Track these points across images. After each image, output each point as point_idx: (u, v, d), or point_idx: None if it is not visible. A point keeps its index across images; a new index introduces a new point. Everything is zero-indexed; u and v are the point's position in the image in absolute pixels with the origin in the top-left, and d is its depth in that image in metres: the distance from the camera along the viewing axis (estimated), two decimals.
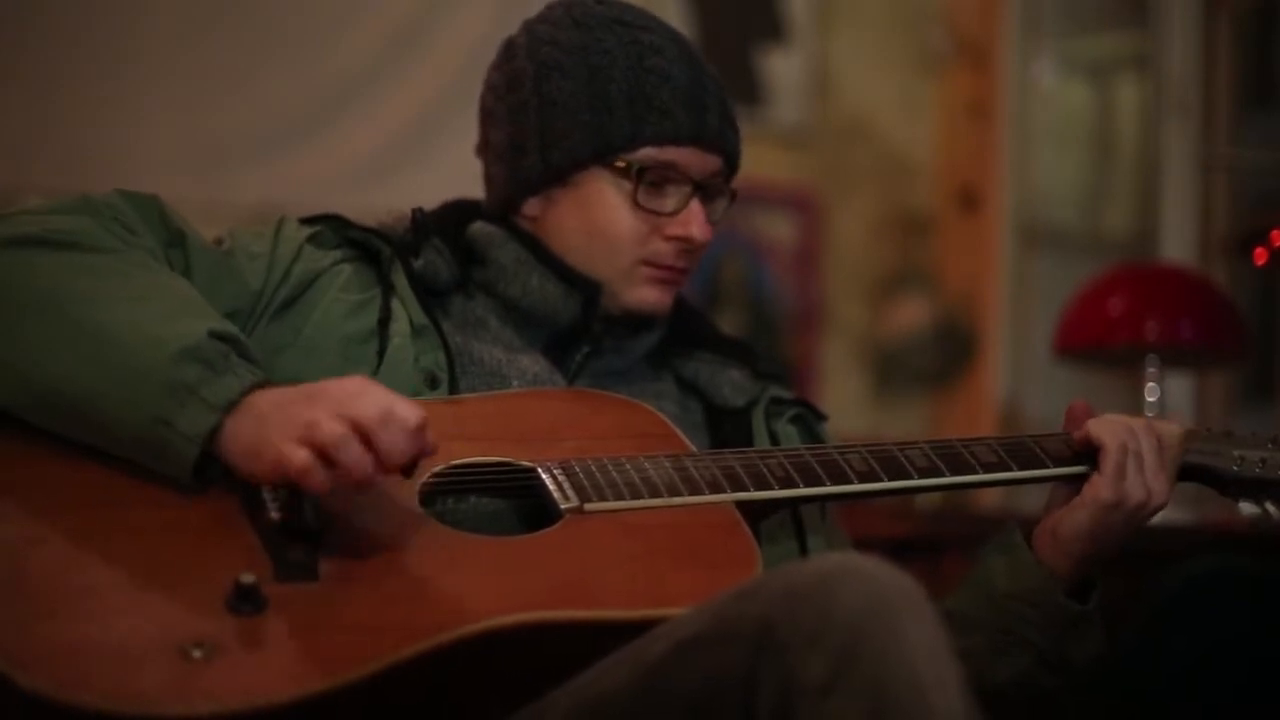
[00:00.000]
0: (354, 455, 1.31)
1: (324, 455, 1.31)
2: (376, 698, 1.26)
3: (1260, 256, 2.78)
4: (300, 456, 1.31)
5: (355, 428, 1.31)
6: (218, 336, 1.38)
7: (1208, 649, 1.63)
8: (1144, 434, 1.59)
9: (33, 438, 1.39)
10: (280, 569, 1.31)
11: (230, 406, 1.35)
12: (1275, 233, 2.72)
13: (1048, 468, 1.60)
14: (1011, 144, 4.64)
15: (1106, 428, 1.59)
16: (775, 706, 1.16)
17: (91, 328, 1.37)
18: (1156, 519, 1.62)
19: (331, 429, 1.31)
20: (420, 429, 1.34)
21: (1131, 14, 4.46)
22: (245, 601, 1.26)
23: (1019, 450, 1.61)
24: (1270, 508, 1.64)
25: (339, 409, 1.32)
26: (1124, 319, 2.94)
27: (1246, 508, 1.65)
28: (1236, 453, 1.65)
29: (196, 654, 1.22)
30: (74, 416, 1.37)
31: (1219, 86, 3.98)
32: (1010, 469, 1.59)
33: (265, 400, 1.36)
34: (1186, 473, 1.64)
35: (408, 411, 1.34)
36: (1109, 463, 1.57)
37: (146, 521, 1.34)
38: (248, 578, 1.27)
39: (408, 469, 1.36)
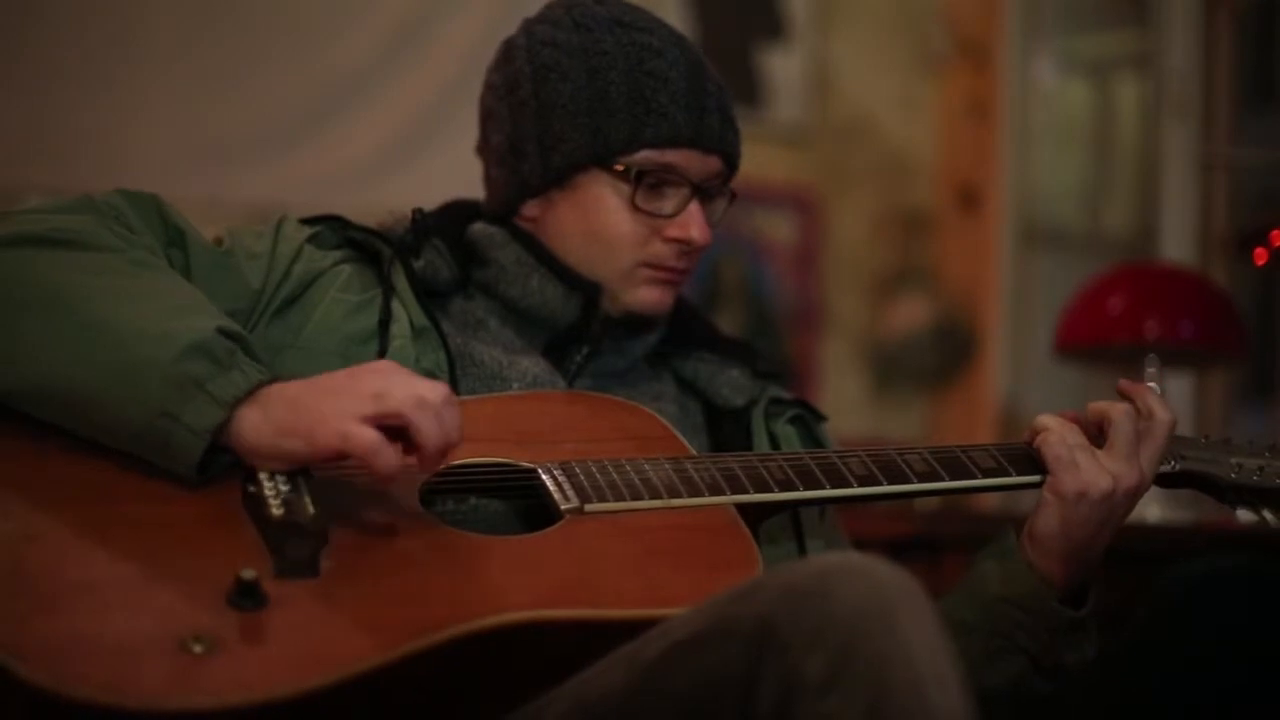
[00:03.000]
0: (431, 422, 1.35)
1: (396, 425, 1.34)
2: (375, 695, 1.26)
3: (1260, 256, 2.78)
4: (371, 435, 1.33)
5: (422, 402, 1.35)
6: (225, 334, 1.38)
7: (1206, 650, 1.63)
8: (1127, 420, 1.57)
9: (34, 433, 1.39)
10: (281, 565, 1.32)
11: (237, 402, 1.35)
12: (1275, 232, 2.72)
13: (1045, 473, 1.60)
14: (1011, 144, 4.64)
15: (1047, 425, 1.59)
16: (774, 705, 1.16)
17: (96, 324, 1.38)
18: (1155, 519, 1.62)
19: (405, 395, 1.34)
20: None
21: (1131, 13, 4.46)
22: (246, 597, 1.27)
23: (1017, 456, 1.61)
24: (1267, 515, 1.64)
25: (406, 384, 1.36)
26: (1124, 318, 2.94)
27: (1244, 515, 1.65)
28: (1234, 460, 1.65)
29: (197, 649, 1.22)
30: (78, 411, 1.38)
31: (1219, 86, 3.97)
32: (1009, 474, 1.60)
33: (287, 388, 1.37)
34: (1185, 480, 1.64)
35: (442, 389, 1.38)
36: (1049, 457, 1.56)
37: (147, 516, 1.35)
38: (248, 573, 1.27)
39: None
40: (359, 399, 1.35)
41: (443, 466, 1.45)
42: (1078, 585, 1.60)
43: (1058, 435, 1.57)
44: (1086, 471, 1.55)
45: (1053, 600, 1.57)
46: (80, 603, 1.26)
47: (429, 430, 1.35)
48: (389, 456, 1.34)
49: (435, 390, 1.37)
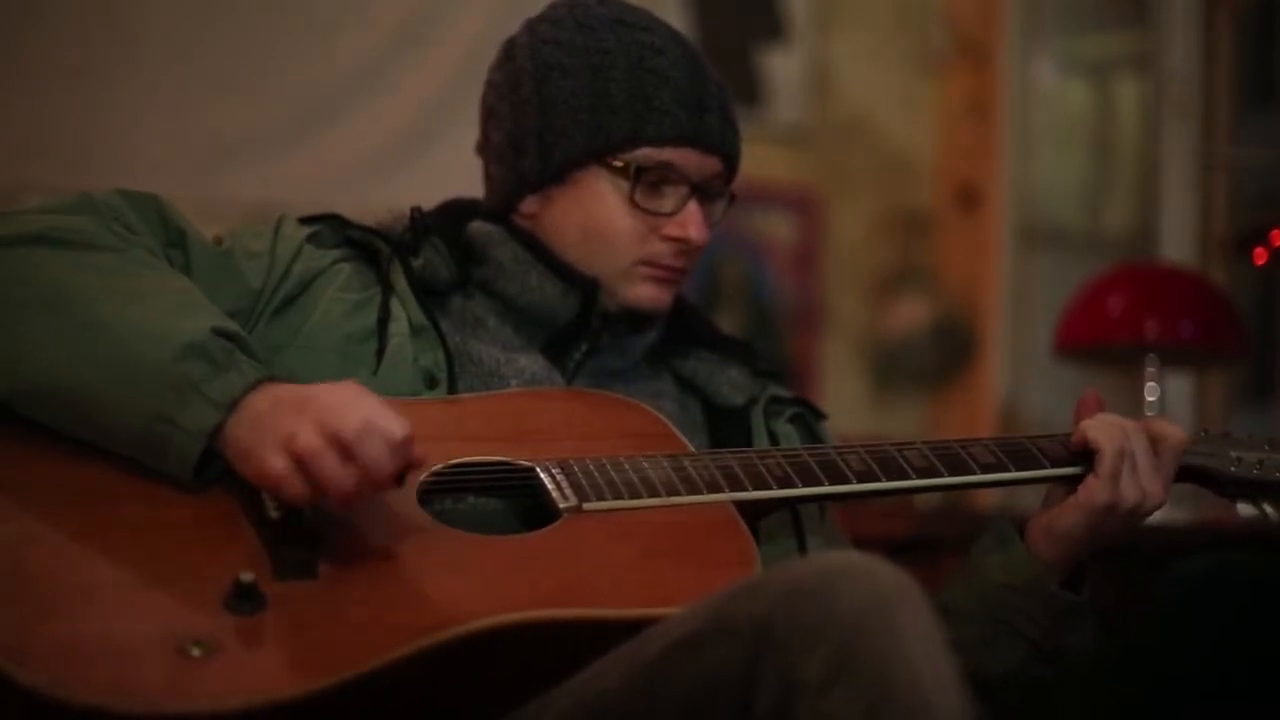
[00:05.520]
0: (329, 469, 1.31)
1: (302, 468, 1.31)
2: (375, 697, 1.26)
3: (1260, 256, 2.78)
4: (278, 466, 1.31)
5: (333, 441, 1.31)
6: (221, 334, 1.38)
7: (1206, 649, 1.63)
8: (1137, 436, 1.59)
9: (32, 436, 1.39)
10: (279, 567, 1.31)
11: (233, 404, 1.35)
12: (1275, 232, 2.72)
13: (1045, 468, 1.61)
14: (1011, 144, 4.64)
15: (1103, 430, 1.59)
16: (773, 704, 1.16)
17: (95, 325, 1.38)
18: (1155, 518, 1.62)
19: (308, 442, 1.31)
20: (405, 442, 1.33)
21: (1131, 13, 4.46)
22: (244, 600, 1.27)
23: (1017, 451, 1.61)
24: (1267, 508, 1.65)
25: (321, 420, 1.32)
26: (1124, 318, 2.94)
27: (1244, 509, 1.65)
28: (1234, 454, 1.65)
29: (195, 652, 1.22)
30: (77, 413, 1.37)
31: (1219, 86, 3.97)
32: (1008, 469, 1.60)
33: (263, 401, 1.36)
34: (1184, 473, 1.65)
35: (392, 424, 1.33)
36: (1104, 466, 1.57)
37: (145, 519, 1.35)
38: (246, 576, 1.27)
39: (396, 479, 1.36)
40: (279, 433, 1.32)
41: (439, 466, 1.45)
42: (1074, 570, 1.61)
43: (1117, 445, 1.58)
44: (1124, 487, 1.57)
45: (1053, 585, 1.58)
46: (79, 606, 1.26)
47: (325, 475, 1.31)
48: (293, 487, 1.32)
49: (352, 423, 1.31)
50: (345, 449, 1.31)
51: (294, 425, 1.32)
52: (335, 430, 1.31)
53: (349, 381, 1.39)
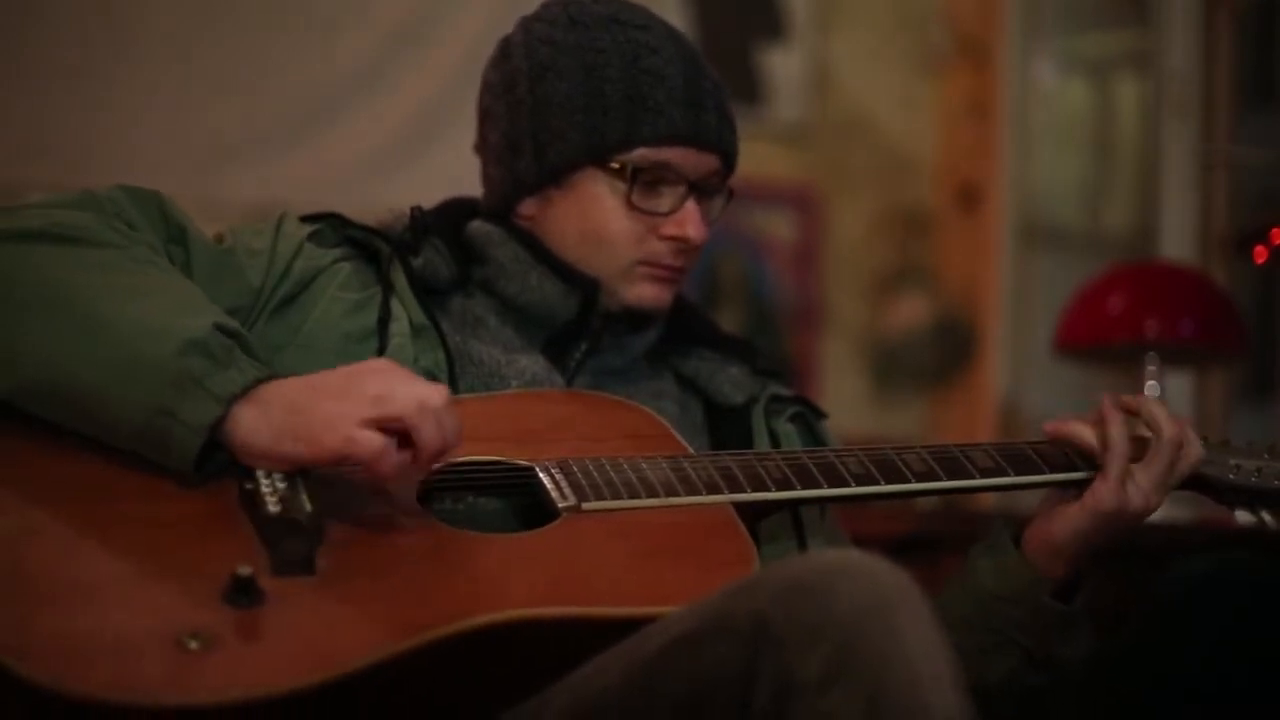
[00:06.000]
0: (431, 426, 1.35)
1: (398, 430, 1.35)
2: (373, 692, 1.26)
3: (1260, 255, 2.78)
4: (376, 440, 1.34)
5: (423, 407, 1.36)
6: (223, 331, 1.38)
7: (1206, 649, 1.63)
8: (1170, 447, 1.59)
9: (32, 430, 1.39)
10: (277, 562, 1.31)
11: (233, 399, 1.35)
12: (1275, 231, 2.72)
13: (1044, 473, 1.61)
14: (1011, 143, 4.64)
15: (1112, 451, 1.58)
16: (771, 702, 1.16)
17: (95, 321, 1.38)
18: (1155, 517, 1.62)
19: (407, 399, 1.35)
20: (460, 426, 1.39)
21: (1131, 13, 4.46)
22: (242, 594, 1.27)
23: (1015, 456, 1.61)
24: (1265, 516, 1.64)
25: (405, 383, 1.37)
26: (1124, 317, 2.94)
27: (1242, 516, 1.65)
28: (1233, 461, 1.65)
29: (193, 645, 1.22)
30: (77, 409, 1.38)
31: (1219, 86, 3.97)
32: (1007, 474, 1.60)
33: (286, 388, 1.37)
34: (1183, 481, 1.64)
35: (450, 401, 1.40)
36: (1113, 469, 1.57)
37: (144, 514, 1.35)
38: (244, 570, 1.27)
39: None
40: (361, 402, 1.35)
41: (439, 465, 1.45)
42: (1071, 578, 1.60)
43: (1124, 456, 1.58)
44: (1130, 489, 1.57)
45: (1045, 596, 1.58)
46: (79, 601, 1.26)
47: (429, 434, 1.36)
48: (392, 460, 1.35)
49: (436, 393, 1.38)
50: (436, 414, 1.36)
51: (380, 387, 1.36)
52: (425, 397, 1.36)
53: (379, 360, 1.44)
